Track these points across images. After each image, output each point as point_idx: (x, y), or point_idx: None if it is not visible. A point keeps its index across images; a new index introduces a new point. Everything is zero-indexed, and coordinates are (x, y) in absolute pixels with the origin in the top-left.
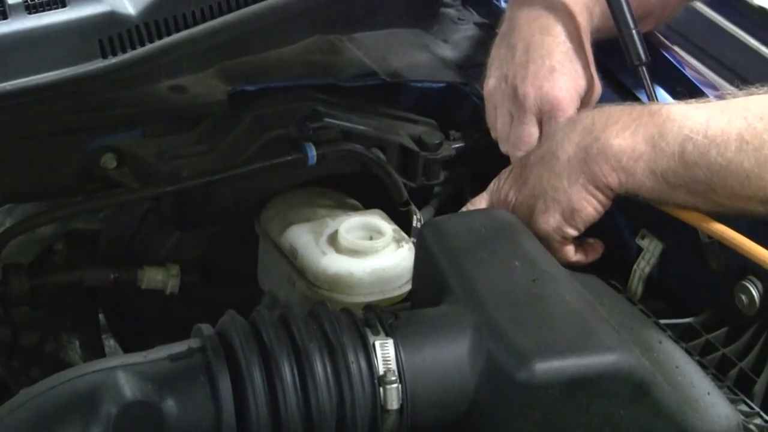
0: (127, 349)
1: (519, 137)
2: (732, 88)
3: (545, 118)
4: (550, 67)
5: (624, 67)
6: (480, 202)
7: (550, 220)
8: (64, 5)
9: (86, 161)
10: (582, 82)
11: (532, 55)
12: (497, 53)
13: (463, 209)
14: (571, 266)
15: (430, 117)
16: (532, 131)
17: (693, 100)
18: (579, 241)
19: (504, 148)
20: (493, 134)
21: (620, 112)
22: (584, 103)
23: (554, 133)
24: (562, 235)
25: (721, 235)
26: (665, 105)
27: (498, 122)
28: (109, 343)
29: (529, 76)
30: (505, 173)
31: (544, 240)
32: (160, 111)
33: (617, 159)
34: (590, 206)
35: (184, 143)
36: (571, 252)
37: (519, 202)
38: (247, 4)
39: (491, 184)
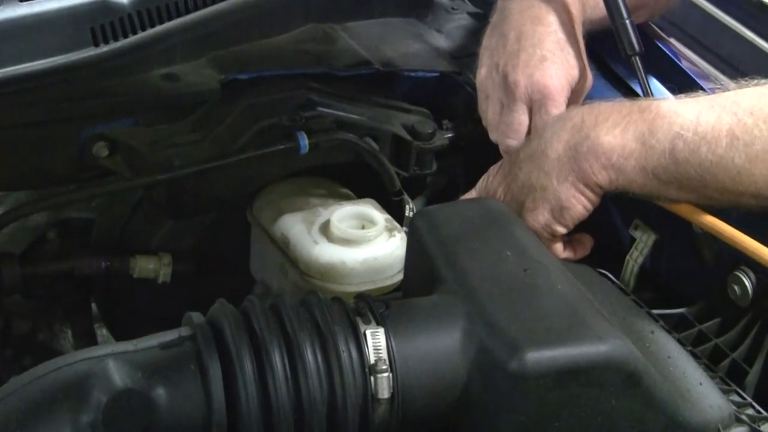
0: (119, 338)
1: (509, 125)
2: (726, 79)
3: (535, 106)
4: (541, 56)
5: (618, 58)
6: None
7: (539, 218)
8: None
9: (78, 150)
10: (573, 72)
11: (524, 44)
12: (489, 42)
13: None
14: None
15: (423, 106)
16: (522, 119)
17: (683, 94)
18: (568, 237)
19: (493, 136)
20: (484, 122)
21: (610, 109)
22: (575, 93)
23: (543, 130)
24: (551, 232)
25: (712, 228)
26: (655, 101)
27: (489, 110)
28: (102, 332)
29: (520, 64)
30: (493, 170)
31: None
32: (153, 99)
33: (607, 157)
34: (579, 204)
35: (177, 132)
36: (559, 249)
37: (508, 199)
38: None
39: (480, 181)
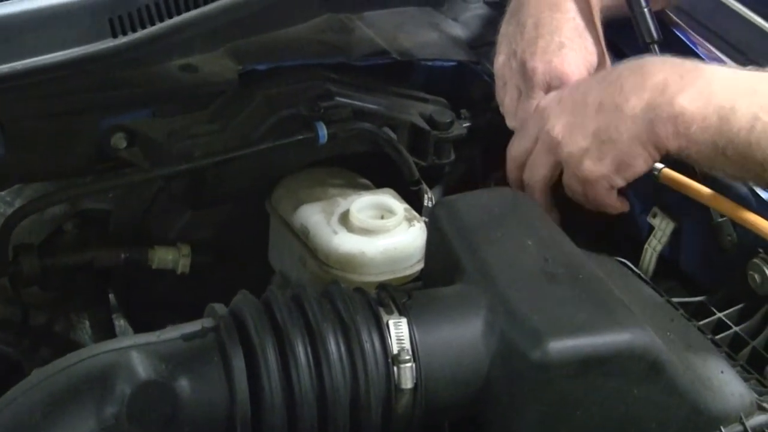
0: (138, 329)
1: (527, 112)
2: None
3: None
4: (559, 43)
5: (635, 46)
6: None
7: (602, 169)
8: None
9: (97, 141)
10: (592, 59)
11: (541, 31)
12: (506, 30)
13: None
14: (594, 231)
15: (440, 96)
16: None
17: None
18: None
19: (511, 123)
20: (501, 110)
21: (694, 72)
22: None
23: (617, 77)
24: (611, 183)
25: (732, 213)
26: (734, 73)
27: (506, 97)
28: (119, 323)
29: (538, 51)
30: (552, 103)
31: (588, 183)
32: (171, 90)
33: (686, 126)
34: (644, 164)
35: (195, 122)
36: (613, 197)
37: (567, 140)
38: None
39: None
